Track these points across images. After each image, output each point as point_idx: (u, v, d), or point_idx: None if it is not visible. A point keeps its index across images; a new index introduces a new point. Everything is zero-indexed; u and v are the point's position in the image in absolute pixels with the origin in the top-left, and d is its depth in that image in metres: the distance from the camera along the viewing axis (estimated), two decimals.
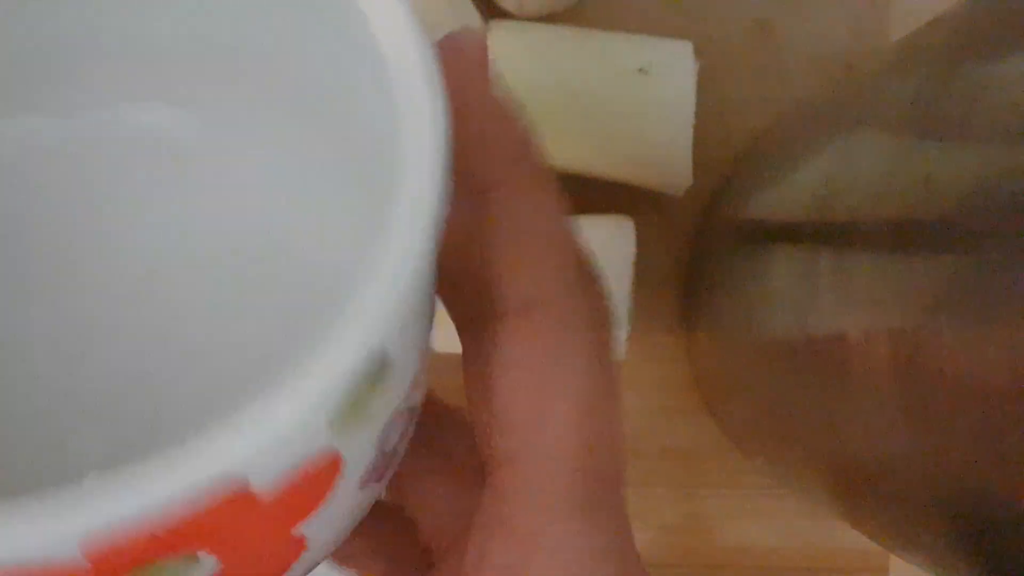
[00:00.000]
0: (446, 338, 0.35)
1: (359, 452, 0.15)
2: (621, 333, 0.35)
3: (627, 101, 0.34)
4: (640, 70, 0.34)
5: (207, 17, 0.17)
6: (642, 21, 0.38)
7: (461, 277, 0.19)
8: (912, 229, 0.20)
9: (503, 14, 0.37)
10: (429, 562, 0.22)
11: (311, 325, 0.14)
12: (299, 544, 0.16)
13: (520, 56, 0.34)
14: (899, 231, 0.21)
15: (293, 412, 0.12)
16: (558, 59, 0.34)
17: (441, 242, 0.14)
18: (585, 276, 0.19)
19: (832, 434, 0.26)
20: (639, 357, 0.38)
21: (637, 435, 0.39)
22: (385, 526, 0.22)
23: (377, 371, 0.13)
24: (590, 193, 0.37)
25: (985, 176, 0.18)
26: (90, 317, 0.20)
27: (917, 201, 0.20)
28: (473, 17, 0.35)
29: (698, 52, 0.35)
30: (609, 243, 0.35)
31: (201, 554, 0.14)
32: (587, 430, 0.17)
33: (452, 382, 0.39)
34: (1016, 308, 0.16)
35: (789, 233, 0.28)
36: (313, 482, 0.14)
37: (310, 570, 0.17)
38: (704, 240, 0.37)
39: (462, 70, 0.18)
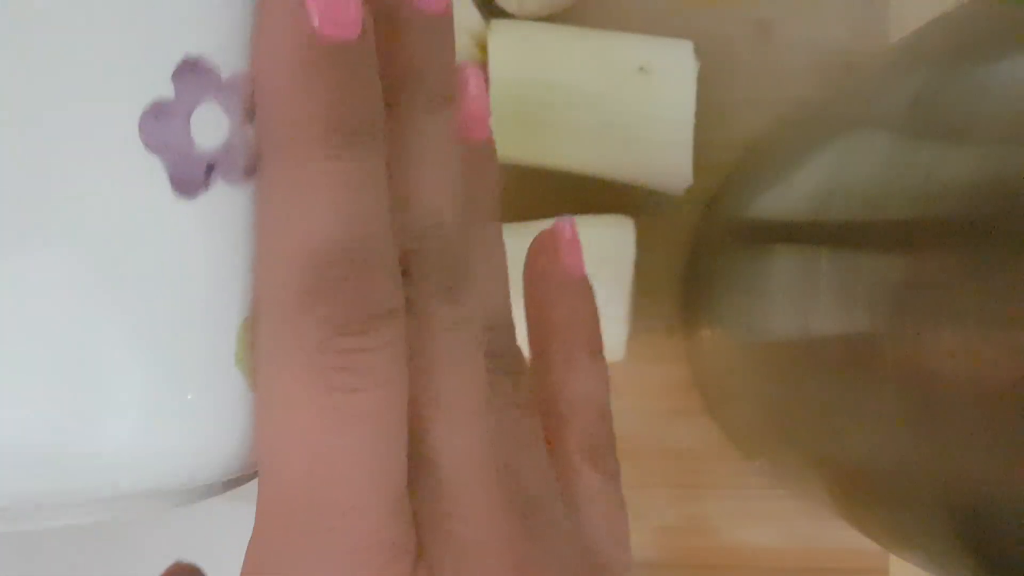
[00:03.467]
0: None
1: None
2: (621, 333, 0.35)
3: (627, 101, 0.34)
4: (640, 70, 0.34)
5: None
6: (642, 21, 0.38)
7: None
8: (912, 229, 0.20)
9: (503, 14, 0.37)
10: None
11: None
12: None
13: (521, 56, 0.35)
14: (899, 231, 0.21)
15: None
16: (558, 59, 0.35)
17: None
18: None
19: (832, 435, 0.26)
20: (639, 358, 0.38)
21: (637, 436, 0.39)
22: None
23: None
24: (590, 192, 0.38)
25: (986, 176, 0.18)
26: None
27: (917, 201, 0.20)
28: (474, 18, 0.36)
29: (698, 52, 0.35)
30: (609, 243, 0.35)
31: None
32: None
33: None
34: (1018, 309, 0.17)
35: (789, 233, 0.28)
36: None
37: None
38: (704, 240, 0.37)
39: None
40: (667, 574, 0.39)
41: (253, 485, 0.17)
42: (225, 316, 0.15)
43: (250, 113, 0.15)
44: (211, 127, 0.14)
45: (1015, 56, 0.18)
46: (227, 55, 0.14)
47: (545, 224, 0.35)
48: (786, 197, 0.29)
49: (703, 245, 0.37)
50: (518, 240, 0.35)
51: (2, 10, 0.13)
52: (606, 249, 0.35)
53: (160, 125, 0.14)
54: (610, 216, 0.36)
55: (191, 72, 0.14)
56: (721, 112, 0.38)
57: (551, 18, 0.37)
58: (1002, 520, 0.18)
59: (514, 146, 0.35)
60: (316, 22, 0.15)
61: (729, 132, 0.38)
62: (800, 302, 0.26)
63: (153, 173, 0.14)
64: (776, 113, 0.37)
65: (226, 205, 0.15)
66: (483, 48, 0.35)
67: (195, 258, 0.14)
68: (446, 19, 0.18)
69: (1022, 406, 0.17)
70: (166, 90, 0.14)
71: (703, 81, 0.36)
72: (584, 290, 0.25)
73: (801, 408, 0.28)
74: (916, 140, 0.21)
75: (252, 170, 0.15)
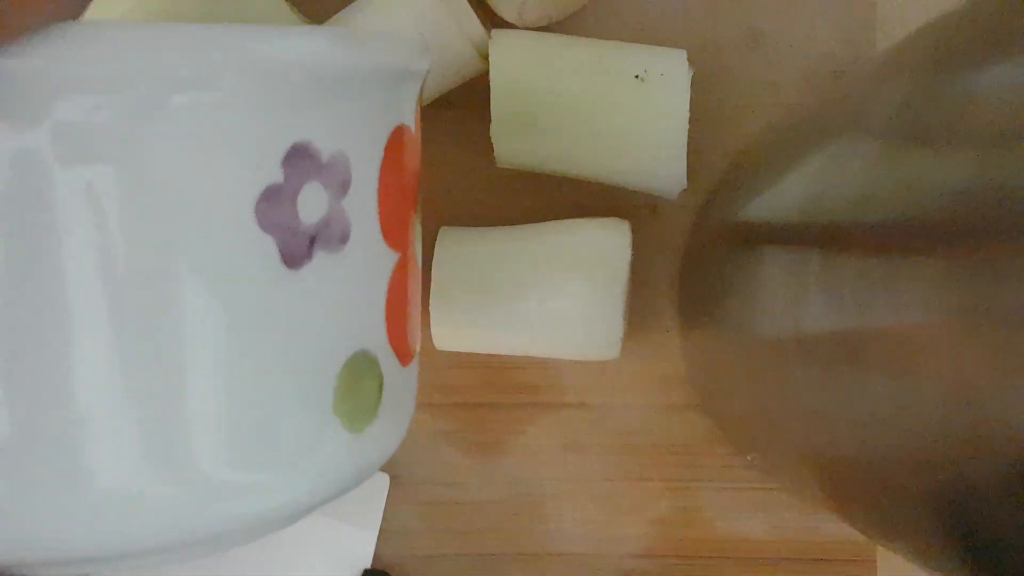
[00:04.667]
0: (445, 338, 0.36)
1: None
2: (617, 332, 0.35)
3: (624, 107, 0.34)
4: (636, 77, 0.34)
5: None
6: (638, 30, 0.38)
7: None
8: (900, 232, 0.20)
9: (505, 24, 0.37)
10: None
11: None
12: None
13: (521, 64, 0.34)
14: (887, 234, 0.21)
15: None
16: (557, 67, 0.35)
17: None
18: None
19: (820, 430, 0.26)
20: (635, 355, 0.39)
21: (632, 431, 0.39)
22: None
23: None
24: (587, 196, 0.38)
25: (972, 181, 0.18)
26: None
27: (905, 205, 0.20)
28: (476, 27, 0.35)
29: (692, 60, 0.35)
30: (605, 245, 0.35)
31: None
32: None
33: (456, 380, 0.39)
34: (1003, 311, 0.16)
35: (780, 235, 0.28)
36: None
37: None
38: (698, 242, 0.37)
39: None
40: (662, 564, 0.39)
41: None
42: (324, 366, 0.16)
43: (345, 187, 0.15)
44: (314, 204, 0.15)
45: (999, 64, 0.18)
46: (327, 139, 0.15)
47: (544, 228, 0.36)
48: (777, 200, 0.29)
49: (697, 247, 0.37)
50: (518, 243, 0.35)
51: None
52: (602, 251, 0.35)
53: (272, 207, 0.14)
54: (607, 219, 0.36)
55: (298, 157, 0.14)
56: (714, 118, 0.38)
57: (550, 28, 0.37)
58: (981, 515, 0.18)
59: (514, 151, 0.35)
60: None
61: (722, 137, 0.38)
62: (791, 302, 0.26)
63: (266, 252, 0.14)
64: (767, 119, 0.38)
65: (325, 272, 0.15)
66: (485, 57, 0.35)
67: (299, 320, 0.15)
68: None
69: (995, 402, 0.17)
70: (277, 176, 0.14)
71: (696, 88, 0.35)
72: None
73: (791, 404, 0.28)
74: (903, 145, 0.21)
75: (346, 238, 0.16)
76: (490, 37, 0.34)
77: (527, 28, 0.37)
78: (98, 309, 0.13)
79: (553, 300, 0.35)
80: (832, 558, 0.39)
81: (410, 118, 0.17)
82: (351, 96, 0.15)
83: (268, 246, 0.14)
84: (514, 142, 0.35)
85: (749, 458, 0.38)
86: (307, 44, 0.15)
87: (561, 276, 0.35)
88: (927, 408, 0.19)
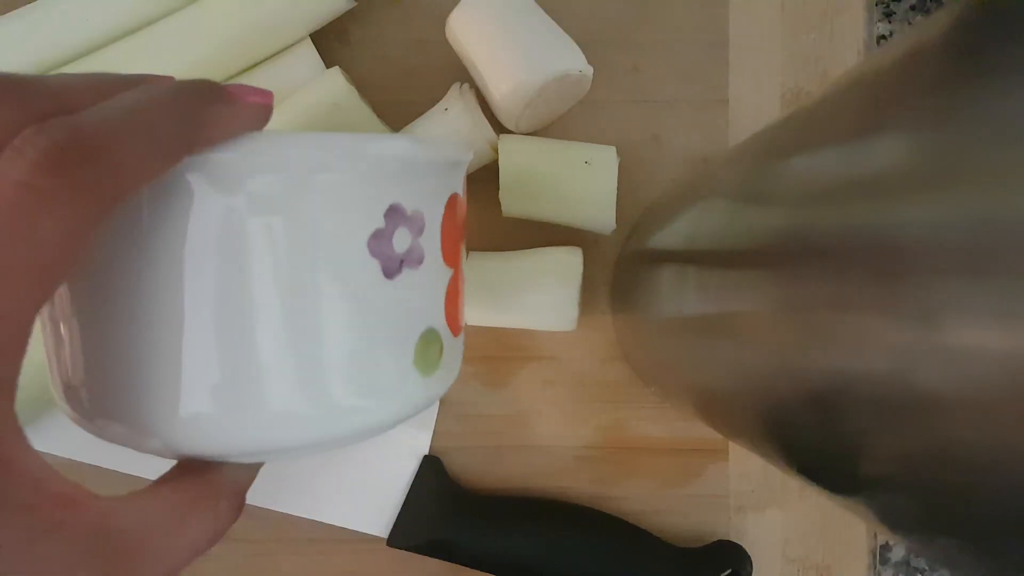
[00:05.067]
0: (471, 317, 0.36)
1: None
2: (573, 315, 0.35)
3: (578, 180, 0.34)
4: (585, 163, 0.34)
5: None
6: (586, 134, 0.38)
7: None
8: (741, 256, 0.20)
9: (507, 130, 0.37)
10: None
11: None
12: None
13: (518, 156, 0.35)
14: (734, 257, 0.20)
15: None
16: (539, 157, 0.35)
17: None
18: None
19: (694, 373, 0.26)
20: (585, 328, 0.38)
21: (583, 373, 0.39)
22: None
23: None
24: (555, 233, 0.38)
25: (782, 225, 0.17)
26: None
27: (744, 240, 0.20)
28: (490, 133, 0.35)
29: (619, 152, 0.36)
30: (565, 263, 0.35)
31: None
32: None
33: (477, 342, 0.39)
34: (800, 303, 0.16)
35: (670, 256, 0.28)
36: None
37: None
38: (622, 261, 0.37)
39: None
40: (599, 453, 0.39)
41: None
42: (408, 337, 0.15)
43: (421, 230, 0.15)
44: (402, 240, 0.14)
45: (799, 156, 0.18)
46: (410, 201, 0.14)
47: (529, 252, 0.35)
48: (669, 236, 0.29)
49: (622, 263, 0.37)
50: (513, 261, 0.36)
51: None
52: (565, 265, 0.35)
53: (377, 242, 0.14)
54: (568, 247, 0.36)
55: (393, 212, 0.14)
56: (631, 187, 0.38)
57: (537, 133, 0.38)
58: (787, 419, 0.18)
59: (513, 206, 0.35)
60: None
61: (636, 198, 0.38)
62: (676, 296, 0.26)
63: (373, 269, 0.14)
64: (662, 188, 0.38)
65: (408, 281, 0.15)
66: (495, 149, 0.35)
67: (393, 309, 0.15)
68: None
69: (795, 356, 0.16)
70: (380, 223, 0.14)
71: (622, 169, 0.36)
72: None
73: (676, 357, 0.28)
74: (742, 204, 0.21)
75: (421, 260, 0.15)
76: (499, 138, 0.35)
77: (522, 133, 0.37)
78: (273, 302, 0.13)
79: (535, 295, 0.35)
80: (701, 448, 0.39)
81: (460, 188, 0.17)
82: (425, 176, 0.15)
83: (374, 265, 0.14)
84: (513, 200, 0.35)
85: (652, 389, 0.38)
86: (397, 145, 0.14)
87: (540, 280, 0.35)
88: (756, 360, 0.19)
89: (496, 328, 0.38)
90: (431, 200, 0.15)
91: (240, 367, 0.13)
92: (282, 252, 0.13)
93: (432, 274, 0.15)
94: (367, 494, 0.37)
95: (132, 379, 0.13)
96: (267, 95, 0.14)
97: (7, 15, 0.33)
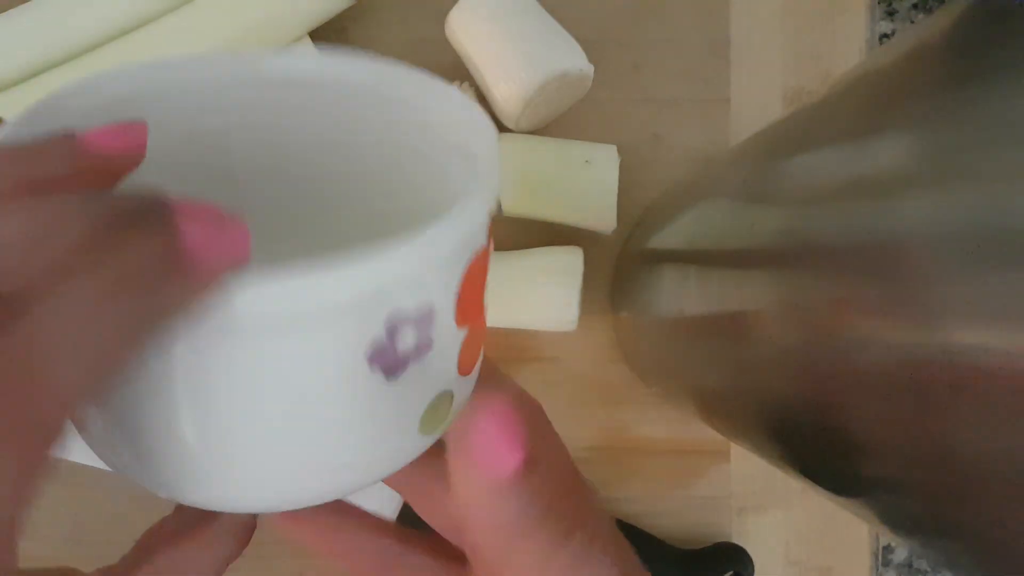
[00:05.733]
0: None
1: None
2: (574, 315, 0.35)
3: (580, 180, 0.34)
4: (586, 161, 0.34)
5: None
6: (587, 134, 0.38)
7: None
8: (742, 255, 0.20)
9: (507, 129, 0.37)
10: None
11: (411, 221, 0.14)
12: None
13: (519, 155, 0.35)
14: (735, 256, 0.20)
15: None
16: (540, 156, 0.35)
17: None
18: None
19: (695, 372, 0.25)
20: (585, 329, 0.38)
21: (584, 374, 0.39)
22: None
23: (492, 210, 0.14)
24: (557, 232, 0.38)
25: (782, 226, 0.17)
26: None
27: (745, 239, 0.20)
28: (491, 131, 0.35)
29: (620, 151, 0.35)
30: (566, 263, 0.35)
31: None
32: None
33: None
34: (801, 302, 0.16)
35: (671, 256, 0.27)
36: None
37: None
38: (623, 261, 0.37)
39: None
40: (600, 453, 0.39)
41: None
42: (414, 413, 0.14)
43: (430, 319, 0.14)
44: (406, 340, 0.13)
45: (799, 157, 0.18)
46: (412, 301, 0.13)
47: (532, 251, 0.35)
48: (670, 236, 0.29)
49: (622, 263, 0.37)
50: (518, 260, 0.36)
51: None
52: (566, 265, 0.35)
53: (376, 352, 0.13)
54: (569, 247, 0.36)
55: (394, 317, 0.13)
56: (633, 186, 0.38)
57: (537, 132, 0.37)
58: (787, 418, 0.18)
59: (515, 206, 0.35)
60: None
61: (637, 198, 0.38)
62: (677, 296, 0.25)
63: (374, 374, 0.13)
64: (664, 188, 0.38)
65: (414, 374, 0.14)
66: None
67: (396, 403, 0.14)
68: None
69: (796, 355, 0.17)
70: (380, 334, 0.13)
71: (623, 168, 0.36)
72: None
73: (678, 356, 0.27)
74: (744, 203, 0.21)
75: (430, 347, 0.14)
76: (499, 138, 0.35)
77: (522, 132, 0.37)
78: (287, 399, 0.13)
79: (535, 295, 0.35)
80: (703, 450, 0.39)
81: (484, 240, 0.15)
82: (431, 268, 0.14)
83: (375, 372, 0.13)
84: (513, 200, 0.35)
85: (653, 390, 0.38)
86: (389, 267, 0.13)
87: (542, 279, 0.35)
88: (757, 360, 0.19)
89: (497, 328, 0.38)
90: (442, 284, 0.14)
91: (220, 441, 0.13)
92: (268, 386, 0.13)
93: (443, 346, 0.14)
94: (367, 495, 0.37)
95: (138, 449, 0.13)
96: (133, 136, 0.12)
97: (2, 15, 0.33)
